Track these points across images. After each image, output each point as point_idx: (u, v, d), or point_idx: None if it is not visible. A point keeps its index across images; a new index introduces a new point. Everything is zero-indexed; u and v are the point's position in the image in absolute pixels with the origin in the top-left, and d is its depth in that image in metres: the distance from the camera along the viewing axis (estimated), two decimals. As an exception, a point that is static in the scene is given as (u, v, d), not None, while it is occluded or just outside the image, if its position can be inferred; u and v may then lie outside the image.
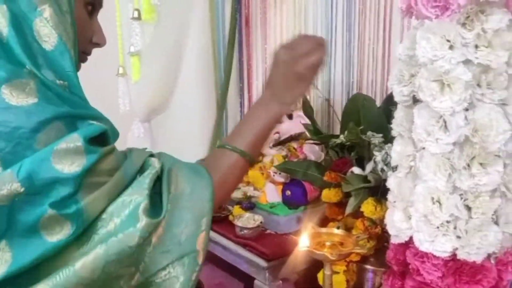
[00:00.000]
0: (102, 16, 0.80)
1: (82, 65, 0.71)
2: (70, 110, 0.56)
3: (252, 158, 0.71)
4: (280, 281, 1.12)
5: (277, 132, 1.28)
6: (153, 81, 1.64)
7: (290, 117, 1.28)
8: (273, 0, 1.58)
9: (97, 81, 1.56)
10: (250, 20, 1.68)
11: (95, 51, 0.73)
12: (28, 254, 0.51)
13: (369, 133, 0.98)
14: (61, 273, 0.52)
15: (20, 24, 0.56)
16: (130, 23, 1.53)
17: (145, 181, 0.59)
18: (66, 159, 0.52)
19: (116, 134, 0.64)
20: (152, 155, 0.65)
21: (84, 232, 0.54)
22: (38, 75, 0.55)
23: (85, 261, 0.52)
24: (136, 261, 0.56)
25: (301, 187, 1.21)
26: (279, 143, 1.28)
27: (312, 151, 1.27)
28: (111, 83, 1.64)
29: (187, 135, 1.77)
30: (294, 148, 1.27)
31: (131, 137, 1.69)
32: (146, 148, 0.68)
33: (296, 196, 1.21)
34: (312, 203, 1.23)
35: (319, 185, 1.12)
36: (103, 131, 0.58)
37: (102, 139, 0.58)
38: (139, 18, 1.51)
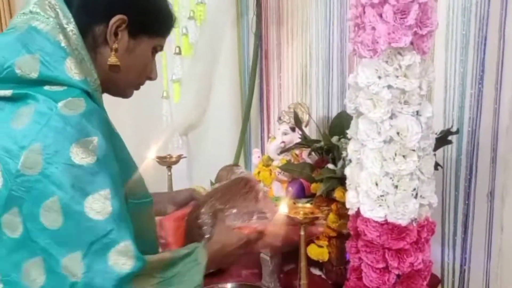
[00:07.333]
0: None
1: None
2: None
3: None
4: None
5: (283, 142, 1.59)
6: (190, 102, 2.01)
7: (293, 130, 1.60)
8: (286, 38, 1.92)
9: (146, 102, 1.94)
10: (269, 54, 2.01)
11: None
12: None
13: (335, 137, 1.30)
14: None
15: None
16: (172, 57, 1.88)
17: None
18: None
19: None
20: None
21: None
22: None
23: None
24: None
25: (299, 184, 1.54)
26: (285, 150, 1.58)
27: (309, 156, 1.59)
28: (157, 104, 1.99)
29: (218, 144, 2.10)
30: (296, 154, 1.58)
31: (171, 147, 2.04)
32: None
33: (295, 191, 1.53)
34: (310, 197, 1.54)
35: (311, 181, 1.44)
36: None
37: None
38: (179, 53, 1.87)
